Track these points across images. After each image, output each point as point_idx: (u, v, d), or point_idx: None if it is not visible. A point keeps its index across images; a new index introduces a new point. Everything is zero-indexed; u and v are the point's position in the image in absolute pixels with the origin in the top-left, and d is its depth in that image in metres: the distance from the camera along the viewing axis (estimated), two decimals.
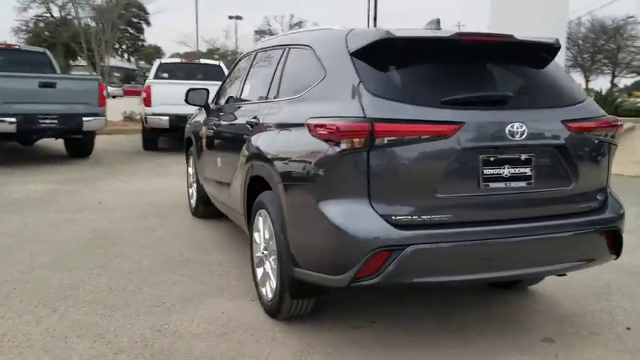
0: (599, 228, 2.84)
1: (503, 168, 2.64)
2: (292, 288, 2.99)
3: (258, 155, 3.32)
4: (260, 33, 51.40)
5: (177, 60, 14.21)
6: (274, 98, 3.49)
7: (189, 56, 32.47)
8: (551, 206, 2.78)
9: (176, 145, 12.03)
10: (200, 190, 5.48)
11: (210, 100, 5.07)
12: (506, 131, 2.60)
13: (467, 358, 2.86)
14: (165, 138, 11.96)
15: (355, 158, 2.53)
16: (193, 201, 5.84)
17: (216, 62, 13.52)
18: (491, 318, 3.33)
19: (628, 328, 3.21)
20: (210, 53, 44.43)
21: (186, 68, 13.07)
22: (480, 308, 3.48)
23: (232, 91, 4.66)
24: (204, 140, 5.14)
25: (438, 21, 3.10)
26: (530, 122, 2.64)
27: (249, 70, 4.26)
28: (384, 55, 2.72)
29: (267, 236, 3.31)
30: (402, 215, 2.55)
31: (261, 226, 3.40)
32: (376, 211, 2.53)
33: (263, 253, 3.38)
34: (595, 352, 2.94)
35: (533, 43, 2.89)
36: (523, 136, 2.62)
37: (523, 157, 2.67)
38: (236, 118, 4.10)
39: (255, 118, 3.57)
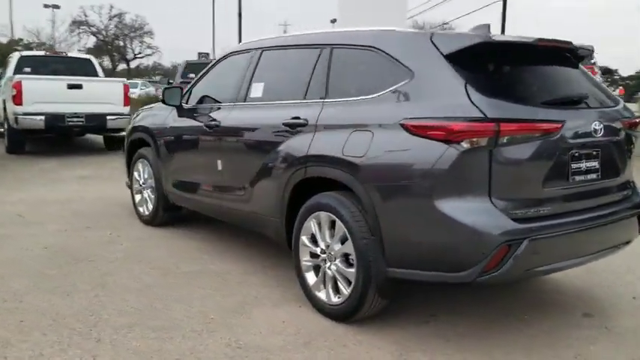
0: (636, 212, 3.27)
1: (582, 162, 2.93)
2: (382, 288, 2.99)
3: (319, 157, 3.24)
4: (77, 24, 47.76)
5: (41, 53, 12.74)
6: (320, 99, 3.41)
7: (53, 49, 29.18)
8: (609, 195, 3.14)
9: (43, 148, 10.88)
10: (162, 196, 5.09)
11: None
12: (592, 129, 2.89)
13: (530, 340, 3.09)
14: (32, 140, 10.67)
15: (478, 157, 2.63)
16: (145, 209, 5.39)
17: (87, 56, 12.41)
18: (534, 304, 3.60)
19: None
20: (14, 44, 39.55)
21: (51, 62, 11.85)
22: (521, 296, 3.72)
23: (223, 90, 4.41)
24: (176, 142, 4.79)
25: (488, 26, 3.30)
26: (604, 120, 2.97)
27: (254, 70, 4.07)
28: (480, 58, 2.85)
29: (327, 240, 3.24)
30: (517, 210, 2.71)
31: (314, 229, 3.32)
32: (496, 207, 2.66)
33: (321, 257, 3.30)
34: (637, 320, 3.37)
35: (582, 49, 3.23)
36: (602, 133, 2.93)
37: (594, 152, 2.99)
38: (252, 119, 3.91)
39: (295, 118, 3.46)
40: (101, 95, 10.32)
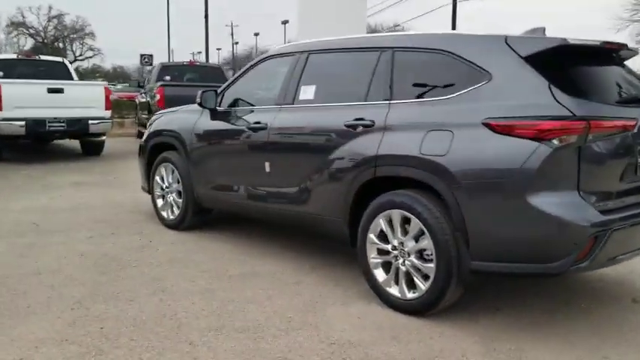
0: None
1: None
2: (464, 281, 3.12)
3: (392, 157, 3.34)
4: (14, 25, 46.04)
5: (13, 56, 12.28)
6: (385, 100, 3.50)
7: (27, 52, 28.13)
8: None
9: (18, 155, 10.50)
10: (192, 200, 5.06)
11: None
12: None
13: (595, 325, 3.29)
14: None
15: (568, 154, 2.80)
16: (169, 213, 5.34)
17: (59, 59, 12.06)
18: (586, 293, 3.82)
19: None
20: None
21: (23, 65, 11.46)
22: (572, 286, 3.92)
23: (264, 93, 4.45)
24: (212, 145, 4.80)
25: (544, 29, 3.48)
26: None
27: (302, 72, 4.12)
28: (557, 60, 3.01)
29: (400, 236, 3.34)
30: (601, 202, 2.89)
31: (384, 227, 3.41)
32: (585, 201, 2.83)
33: (392, 253, 3.40)
34: None
35: (632, 50, 3.45)
36: None
37: None
38: (306, 121, 3.96)
39: (359, 119, 3.55)
40: (82, 99, 10.07)
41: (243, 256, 4.51)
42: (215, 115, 4.77)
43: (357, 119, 3.58)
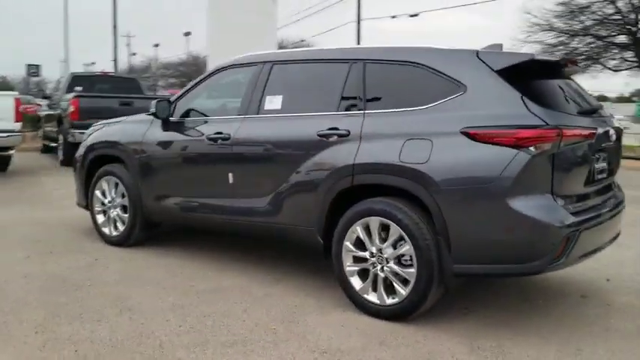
0: (623, 207, 3.86)
1: (600, 163, 3.44)
2: (447, 284, 3.24)
3: (370, 165, 3.41)
4: None
5: None
6: (359, 110, 3.58)
7: None
8: (609, 192, 3.69)
9: None
10: (140, 215, 4.85)
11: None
12: (610, 135, 3.41)
13: (557, 320, 3.54)
14: None
15: (543, 160, 3.00)
16: (112, 229, 5.08)
17: None
18: (537, 291, 4.06)
19: None
20: None
21: None
22: (527, 285, 4.19)
23: (222, 104, 4.37)
24: (165, 157, 4.64)
25: (501, 46, 3.72)
26: (611, 126, 3.51)
27: (266, 82, 4.10)
28: (525, 74, 3.23)
29: (378, 243, 3.41)
30: (570, 205, 3.12)
31: (361, 234, 3.47)
32: (558, 204, 3.04)
33: (370, 260, 3.46)
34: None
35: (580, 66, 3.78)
36: (613, 138, 3.47)
37: (605, 154, 3.51)
38: (275, 131, 3.94)
39: (333, 129, 3.60)
40: None
41: (203, 270, 4.38)
42: (168, 125, 4.62)
43: (330, 129, 3.62)
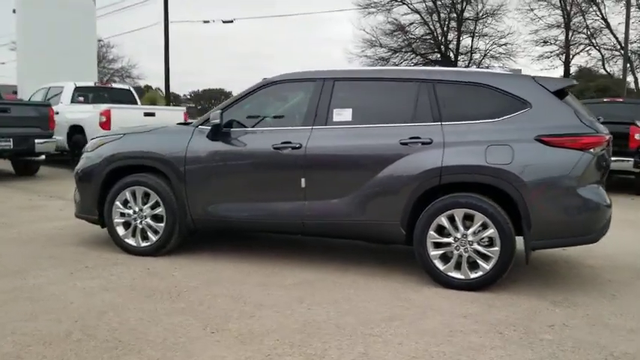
0: None
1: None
2: (527, 258, 4.22)
3: (458, 167, 4.22)
4: None
5: None
6: (437, 122, 4.36)
7: None
8: None
9: None
10: (183, 223, 4.99)
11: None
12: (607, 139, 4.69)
13: (526, 279, 4.73)
14: None
15: (598, 158, 4.14)
16: (139, 239, 5.09)
17: None
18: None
19: None
20: None
21: None
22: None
23: (277, 115, 4.82)
24: (219, 167, 4.87)
25: (520, 70, 4.80)
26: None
27: (330, 97, 4.66)
28: (566, 93, 4.34)
29: (462, 230, 4.23)
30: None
31: (446, 224, 4.26)
32: (602, 190, 4.20)
33: (453, 245, 4.26)
34: None
35: None
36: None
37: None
38: (353, 141, 4.53)
39: (415, 138, 4.34)
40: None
41: (270, 267, 4.74)
42: (218, 135, 4.87)
43: (412, 137, 4.35)
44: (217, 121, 4.76)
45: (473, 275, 4.26)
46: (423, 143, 4.35)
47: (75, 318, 3.55)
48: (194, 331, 3.39)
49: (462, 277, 4.27)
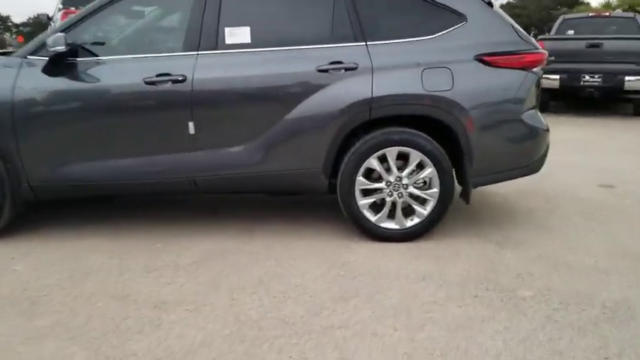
0: None
1: None
2: (466, 199, 3.66)
3: (392, 97, 3.43)
4: None
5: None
6: (361, 42, 3.46)
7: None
8: None
9: None
10: (16, 193, 3.59)
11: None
12: None
13: (481, 215, 4.38)
14: None
15: (539, 79, 3.62)
16: None
17: None
18: None
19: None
20: None
21: None
22: None
23: (140, 39, 3.56)
24: (66, 112, 3.49)
25: None
26: None
27: (219, 13, 3.48)
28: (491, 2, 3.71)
29: (396, 172, 3.53)
30: None
31: (376, 166, 3.50)
32: (539, 114, 3.74)
33: (385, 190, 3.54)
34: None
35: None
36: None
37: None
38: (254, 69, 3.46)
39: (337, 63, 3.43)
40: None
41: (154, 240, 3.63)
42: (60, 68, 3.46)
43: (334, 62, 3.44)
44: (61, 48, 3.34)
45: (409, 224, 3.62)
46: (346, 69, 3.46)
47: None
48: None
49: (397, 226, 3.62)
